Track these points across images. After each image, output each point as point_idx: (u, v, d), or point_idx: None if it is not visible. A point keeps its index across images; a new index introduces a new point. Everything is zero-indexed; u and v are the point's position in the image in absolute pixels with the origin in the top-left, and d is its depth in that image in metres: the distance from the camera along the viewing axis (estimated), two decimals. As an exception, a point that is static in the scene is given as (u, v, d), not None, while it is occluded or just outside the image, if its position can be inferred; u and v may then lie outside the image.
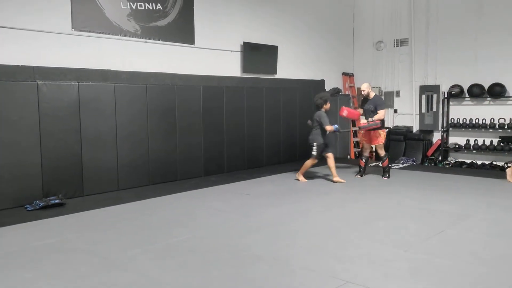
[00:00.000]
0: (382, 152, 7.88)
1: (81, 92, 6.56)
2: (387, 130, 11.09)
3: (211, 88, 8.25)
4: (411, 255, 4.03)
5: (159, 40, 7.66)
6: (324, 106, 7.75)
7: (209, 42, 8.41)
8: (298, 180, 7.75)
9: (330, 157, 7.64)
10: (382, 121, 7.79)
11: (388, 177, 7.83)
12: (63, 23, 6.57)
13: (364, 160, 8.11)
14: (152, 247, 4.34)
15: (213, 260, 3.97)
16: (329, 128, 7.50)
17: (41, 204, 5.88)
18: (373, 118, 7.68)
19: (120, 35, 7.19)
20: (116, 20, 7.12)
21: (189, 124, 7.92)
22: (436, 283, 3.43)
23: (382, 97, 8.13)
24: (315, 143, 7.63)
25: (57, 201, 6.02)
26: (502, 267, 3.73)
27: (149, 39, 7.54)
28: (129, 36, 7.29)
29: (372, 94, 7.93)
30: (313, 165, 7.89)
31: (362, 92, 7.99)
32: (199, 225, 5.12)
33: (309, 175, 8.07)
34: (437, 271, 3.65)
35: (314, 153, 7.62)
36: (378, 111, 7.68)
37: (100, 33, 6.95)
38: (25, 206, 5.90)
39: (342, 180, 7.59)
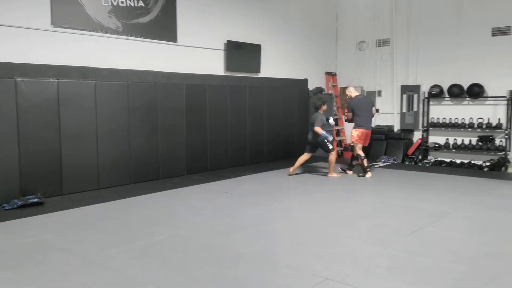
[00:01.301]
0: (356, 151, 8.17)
1: (60, 89, 6.46)
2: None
3: (194, 86, 8.21)
4: (391, 253, 4.08)
5: (141, 37, 7.59)
6: (322, 107, 8.06)
7: (192, 40, 8.36)
8: (334, 176, 8.06)
9: (306, 156, 8.22)
10: (356, 120, 8.09)
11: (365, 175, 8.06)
12: (43, 19, 6.46)
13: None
14: (133, 246, 4.31)
15: (195, 259, 3.96)
16: (317, 129, 7.79)
17: (19, 203, 5.77)
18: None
19: (101, 32, 7.09)
20: (97, 16, 7.02)
21: (171, 122, 7.87)
22: (415, 280, 3.48)
23: (352, 99, 8.26)
24: (325, 140, 7.94)
25: (35, 200, 5.92)
26: (480, 265, 3.80)
27: (131, 36, 7.46)
28: (110, 33, 7.21)
29: (353, 96, 8.30)
30: (307, 162, 8.39)
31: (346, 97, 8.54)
32: (180, 224, 5.09)
33: (296, 173, 8.10)
34: (416, 268, 3.71)
35: (330, 147, 7.99)
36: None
37: (80, 29, 6.85)
38: (3, 205, 5.79)
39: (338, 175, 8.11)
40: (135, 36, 7.52)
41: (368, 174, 7.97)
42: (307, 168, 9.06)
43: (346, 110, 8.47)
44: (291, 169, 8.24)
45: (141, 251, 4.16)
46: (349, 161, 8.61)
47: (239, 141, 9.13)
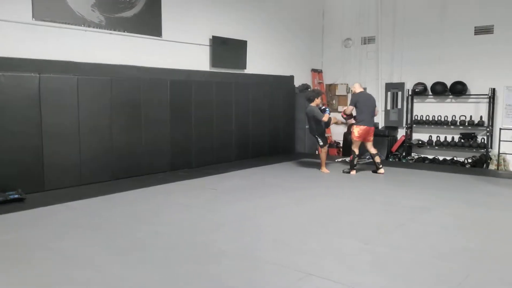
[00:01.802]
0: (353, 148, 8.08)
1: (42, 84, 6.34)
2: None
3: (179, 82, 8.15)
4: (373, 248, 4.11)
5: (124, 31, 7.49)
6: (316, 100, 8.08)
7: (177, 35, 8.29)
8: (326, 172, 8.12)
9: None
10: (356, 117, 8.02)
11: (377, 171, 8.00)
12: (23, 12, 6.32)
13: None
14: (114, 243, 4.26)
15: (177, 256, 3.93)
16: (326, 117, 7.89)
17: (0, 199, 5.67)
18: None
19: (84, 26, 6.98)
20: (79, 10, 6.90)
21: (155, 118, 7.80)
22: (398, 275, 3.51)
23: (356, 94, 8.10)
24: (316, 135, 8.13)
25: (16, 196, 5.81)
26: (461, 260, 3.85)
27: (114, 30, 7.36)
28: (93, 27, 7.10)
29: (357, 92, 8.15)
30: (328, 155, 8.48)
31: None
32: (163, 221, 5.05)
33: (278, 169, 8.10)
34: (398, 264, 3.74)
35: (321, 143, 8.13)
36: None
37: (62, 23, 6.73)
38: (-18, 202, 5.67)
39: (327, 171, 8.16)
40: (119, 31, 7.42)
41: (353, 172, 8.00)
42: (295, 163, 9.08)
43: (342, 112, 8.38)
44: (322, 169, 8.24)
45: (123, 249, 4.11)
46: (349, 161, 8.32)
47: (225, 137, 9.09)
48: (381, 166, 8.00)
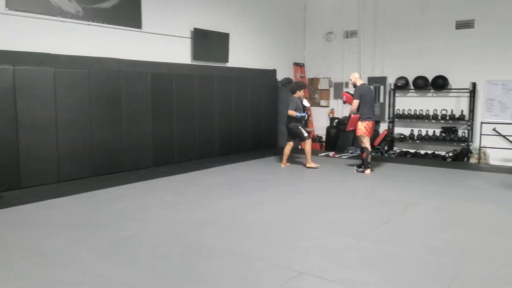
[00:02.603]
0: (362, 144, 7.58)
1: (17, 76, 6.08)
2: (337, 121, 11.31)
3: (160, 75, 7.95)
4: (363, 244, 4.07)
5: (103, 23, 7.24)
6: (298, 92, 7.91)
7: (157, 27, 8.07)
8: (313, 167, 7.89)
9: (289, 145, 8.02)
10: (362, 111, 7.43)
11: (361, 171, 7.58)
12: (-4, 1, 6.03)
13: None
14: (98, 242, 4.09)
15: (164, 254, 3.80)
16: (290, 112, 7.72)
17: (-28, 198, 5.40)
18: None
19: (60, 17, 6.71)
20: (55, 0, 6.62)
21: (136, 112, 7.59)
22: (387, 271, 3.47)
23: (359, 87, 7.56)
24: (299, 127, 7.89)
25: (-10, 194, 5.56)
26: (449, 254, 3.84)
27: (92, 21, 7.10)
28: (70, 18, 6.82)
29: (358, 84, 7.59)
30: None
31: (350, 82, 7.82)
32: (148, 218, 4.89)
33: (262, 164, 8.00)
34: (388, 260, 3.70)
35: (305, 134, 7.90)
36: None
37: (38, 13, 6.45)
38: (-46, 201, 5.40)
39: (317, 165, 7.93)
40: (97, 22, 7.17)
41: (367, 171, 7.45)
42: (279, 158, 9.00)
43: (344, 96, 7.76)
44: (282, 163, 8.13)
45: (107, 248, 3.96)
46: (362, 159, 7.71)
47: (207, 132, 8.94)
48: (369, 166, 7.53)
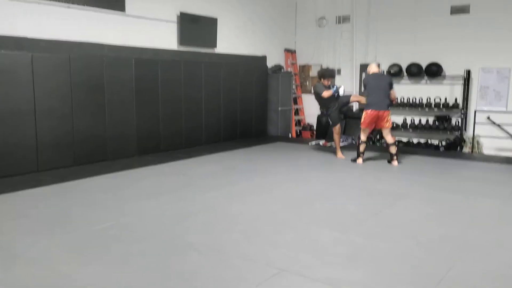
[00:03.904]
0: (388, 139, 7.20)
1: (-10, 61, 5.78)
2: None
3: (144, 61, 7.65)
4: (349, 239, 3.87)
5: (84, 5, 6.91)
6: (322, 80, 7.66)
7: (142, 10, 7.75)
8: (341, 158, 7.71)
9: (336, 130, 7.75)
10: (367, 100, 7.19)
11: (391, 162, 7.18)
12: (-33, -20, 5.70)
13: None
14: (69, 236, 3.87)
15: (139, 250, 3.58)
16: (325, 93, 7.41)
17: None
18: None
19: (38, -2, 6.39)
20: (32, -20, 6.30)
21: (120, 99, 7.32)
22: (374, 269, 3.27)
23: (366, 76, 7.38)
24: (327, 113, 7.74)
25: (-38, 185, 5.31)
26: (439, 250, 3.66)
27: (72, 4, 6.77)
28: (49, 0, 6.50)
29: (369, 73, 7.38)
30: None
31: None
32: (126, 210, 4.67)
33: (251, 153, 7.78)
34: (375, 256, 3.51)
35: (331, 122, 7.74)
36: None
37: (13, -6, 6.13)
38: None
39: (343, 156, 7.70)
40: (77, 4, 6.84)
41: (359, 161, 7.24)
42: (268, 147, 8.78)
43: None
44: (338, 154, 7.81)
45: (79, 243, 3.73)
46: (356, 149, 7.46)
47: (194, 120, 8.68)
48: (395, 157, 7.11)
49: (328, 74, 7.73)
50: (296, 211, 4.68)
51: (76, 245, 3.68)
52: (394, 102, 7.61)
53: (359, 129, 10.13)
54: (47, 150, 6.44)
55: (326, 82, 7.65)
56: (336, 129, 7.75)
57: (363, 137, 7.27)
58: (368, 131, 7.31)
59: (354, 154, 7.56)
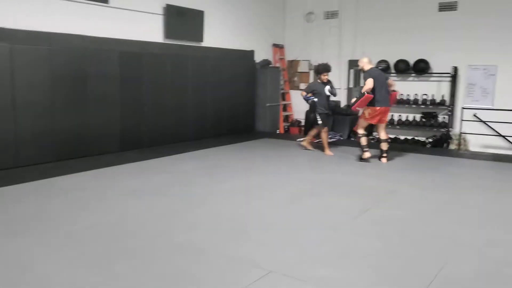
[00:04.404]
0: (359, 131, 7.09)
1: (-35, 52, 5.54)
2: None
3: (129, 54, 7.45)
4: (339, 237, 3.78)
5: (65, -5, 6.69)
6: (319, 75, 7.63)
7: (126, 1, 7.52)
8: (307, 149, 7.80)
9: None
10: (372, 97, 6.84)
11: (380, 159, 7.07)
12: None
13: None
14: (47, 236, 3.70)
15: (121, 251, 3.43)
16: (302, 93, 7.67)
17: None
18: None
19: (17, -13, 6.14)
20: (10, -32, 6.05)
21: (103, 93, 7.11)
22: (367, 268, 3.18)
23: (368, 71, 7.00)
24: (315, 113, 7.65)
25: None
26: (430, 248, 3.59)
27: (53, -6, 6.55)
28: (28, -11, 6.26)
29: (366, 68, 7.09)
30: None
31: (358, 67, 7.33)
32: (108, 208, 4.50)
33: (238, 150, 7.65)
34: (367, 254, 3.42)
35: (319, 122, 7.62)
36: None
37: (-10, -18, 5.87)
38: None
39: (331, 153, 7.63)
40: (59, -6, 6.61)
41: (367, 154, 6.99)
42: (255, 143, 8.66)
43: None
44: (326, 151, 7.68)
45: (58, 242, 3.57)
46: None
47: (180, 115, 8.51)
48: (385, 154, 7.04)
49: (322, 68, 7.63)
50: (285, 209, 4.57)
51: (54, 245, 3.51)
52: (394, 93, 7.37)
53: (347, 126, 10.11)
54: (26, 145, 6.22)
55: (322, 77, 7.58)
56: (325, 129, 7.72)
57: (362, 130, 7.07)
58: (366, 125, 7.13)
59: (342, 150, 7.50)
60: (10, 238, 3.62)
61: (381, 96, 6.91)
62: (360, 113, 7.28)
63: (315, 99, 7.56)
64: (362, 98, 6.84)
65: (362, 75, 7.21)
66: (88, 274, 3.03)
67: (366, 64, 7.12)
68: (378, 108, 6.88)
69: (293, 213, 4.46)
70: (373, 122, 7.04)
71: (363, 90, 6.88)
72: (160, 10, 8.13)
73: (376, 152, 7.20)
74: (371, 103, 6.87)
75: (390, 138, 7.94)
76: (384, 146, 7.09)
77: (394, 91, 7.26)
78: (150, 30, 8.01)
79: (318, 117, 7.64)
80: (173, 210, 4.48)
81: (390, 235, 3.85)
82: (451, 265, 3.25)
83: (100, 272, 3.07)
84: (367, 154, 7.01)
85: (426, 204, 4.86)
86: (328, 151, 7.67)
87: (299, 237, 3.77)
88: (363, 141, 7.07)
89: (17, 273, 3.03)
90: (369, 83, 6.78)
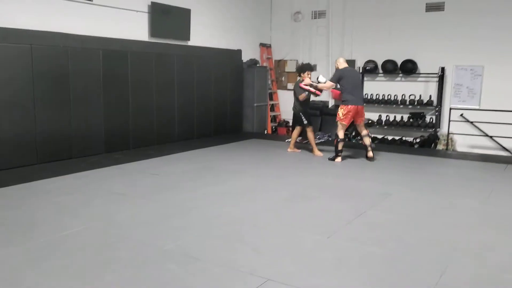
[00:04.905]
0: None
1: None
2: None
3: (113, 52, 7.23)
4: (335, 243, 3.67)
5: (47, -8, 6.44)
6: (302, 75, 7.43)
7: (110, -1, 7.31)
8: (318, 155, 7.51)
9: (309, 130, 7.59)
10: (343, 96, 6.97)
11: (367, 154, 7.12)
12: None
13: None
14: (31, 244, 3.50)
15: (108, 259, 3.26)
16: (301, 97, 7.36)
17: None
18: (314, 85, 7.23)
19: (-5, -18, 5.87)
20: (-11, -38, 5.78)
21: (86, 93, 6.88)
22: (364, 275, 3.08)
23: (339, 70, 7.08)
24: (300, 113, 7.50)
25: None
26: (428, 253, 3.50)
27: (34, -11, 6.29)
28: (8, -16, 6.00)
29: (340, 67, 7.14)
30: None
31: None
32: (94, 214, 4.31)
33: (226, 151, 7.50)
34: (363, 261, 3.32)
35: (305, 121, 7.49)
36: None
37: (-33, -23, 5.60)
38: None
39: (320, 154, 7.51)
40: (40, -10, 6.35)
41: (338, 159, 7.03)
42: (243, 144, 8.52)
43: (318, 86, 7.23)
44: (315, 152, 7.56)
45: (41, 251, 3.37)
46: (334, 147, 7.20)
47: (166, 115, 8.31)
48: (370, 148, 7.09)
49: (306, 67, 7.52)
50: (277, 213, 4.45)
51: (39, 254, 3.32)
52: None
53: (336, 126, 10.02)
54: (6, 147, 5.96)
55: (305, 76, 7.44)
56: (311, 128, 7.62)
57: (341, 135, 7.10)
58: (346, 127, 7.16)
59: (332, 150, 7.41)
60: (-11, 248, 3.42)
61: (354, 95, 6.96)
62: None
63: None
64: (317, 90, 7.24)
65: (334, 73, 7.25)
66: (75, 285, 2.85)
67: (341, 63, 7.19)
68: (350, 106, 6.91)
69: (286, 217, 4.34)
70: (348, 122, 7.05)
71: (319, 86, 7.19)
72: (145, 8, 7.92)
73: (363, 153, 7.15)
74: (346, 102, 6.94)
75: (372, 137, 8.25)
76: (367, 140, 7.15)
77: None
78: (135, 28, 7.80)
79: (303, 116, 7.53)
80: (162, 215, 4.32)
81: (387, 240, 3.76)
82: (451, 271, 3.16)
83: (88, 282, 2.90)
84: (339, 159, 7.10)
85: (420, 207, 4.79)
86: (317, 152, 7.58)
87: (294, 243, 3.65)
88: (340, 146, 7.10)
89: (2, 286, 2.84)
90: (327, 85, 7.18)
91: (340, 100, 7.14)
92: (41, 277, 2.96)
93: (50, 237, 3.66)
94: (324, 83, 7.24)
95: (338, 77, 7.04)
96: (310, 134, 7.62)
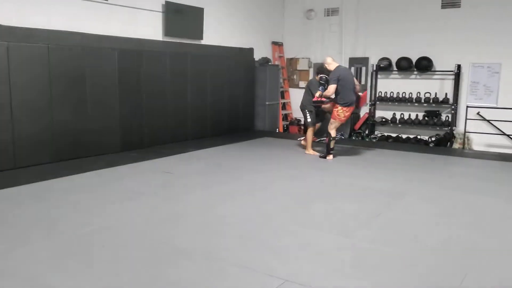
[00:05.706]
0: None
1: (-40, 50, 5.34)
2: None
3: (128, 52, 7.27)
4: (353, 243, 3.65)
5: (63, -8, 6.49)
6: (320, 75, 7.29)
7: (125, -2, 7.36)
8: (311, 154, 7.45)
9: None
10: (342, 96, 6.83)
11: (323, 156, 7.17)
12: None
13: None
14: (50, 242, 3.54)
15: (127, 257, 3.29)
16: (317, 93, 7.10)
17: None
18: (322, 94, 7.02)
19: (13, -17, 5.94)
20: (6, -37, 5.85)
21: (103, 92, 6.93)
22: (383, 277, 3.06)
23: (335, 70, 6.89)
24: (306, 110, 7.45)
25: None
26: (448, 255, 3.46)
27: (51, -10, 6.35)
28: (25, -15, 6.07)
29: (332, 68, 6.98)
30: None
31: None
32: (110, 211, 4.35)
33: (239, 149, 7.51)
34: (382, 262, 3.29)
35: (309, 120, 7.46)
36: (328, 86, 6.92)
37: (-15, -22, 5.67)
38: None
39: (315, 153, 7.42)
40: (56, -10, 6.41)
41: (329, 157, 7.04)
42: (256, 143, 8.52)
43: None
44: (308, 151, 7.53)
45: (60, 249, 3.41)
46: (325, 144, 7.25)
47: (180, 114, 8.34)
48: (331, 152, 7.08)
49: (322, 71, 7.30)
50: (292, 212, 4.43)
51: (56, 252, 3.35)
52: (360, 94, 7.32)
53: (349, 124, 10.00)
54: (24, 146, 6.04)
55: (318, 77, 7.38)
56: (312, 129, 7.56)
57: (334, 133, 7.11)
58: (338, 126, 7.16)
59: (341, 149, 7.37)
60: (10, 246, 3.46)
61: (350, 96, 6.87)
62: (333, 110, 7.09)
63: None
64: (362, 96, 7.13)
65: (330, 75, 6.91)
66: (96, 283, 2.88)
67: (330, 64, 7.02)
68: (347, 107, 6.87)
69: (301, 216, 4.32)
70: (344, 122, 7.16)
71: (325, 93, 6.91)
72: (160, 8, 7.95)
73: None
74: (345, 104, 6.83)
75: (387, 136, 8.33)
76: (333, 143, 7.14)
77: (361, 93, 7.30)
78: (150, 27, 7.83)
79: (308, 114, 7.47)
80: (177, 213, 4.34)
81: (406, 241, 3.72)
82: (474, 275, 3.11)
83: (109, 280, 2.92)
84: (330, 157, 7.07)
85: (438, 206, 4.74)
86: (310, 151, 7.50)
87: (311, 243, 3.63)
88: (332, 144, 7.08)
89: (21, 284, 2.87)
90: (332, 89, 6.78)
91: (332, 100, 6.98)
92: (60, 276, 2.99)
93: (69, 236, 3.69)
94: (325, 89, 7.04)
95: (338, 78, 6.81)
96: (310, 132, 7.55)
